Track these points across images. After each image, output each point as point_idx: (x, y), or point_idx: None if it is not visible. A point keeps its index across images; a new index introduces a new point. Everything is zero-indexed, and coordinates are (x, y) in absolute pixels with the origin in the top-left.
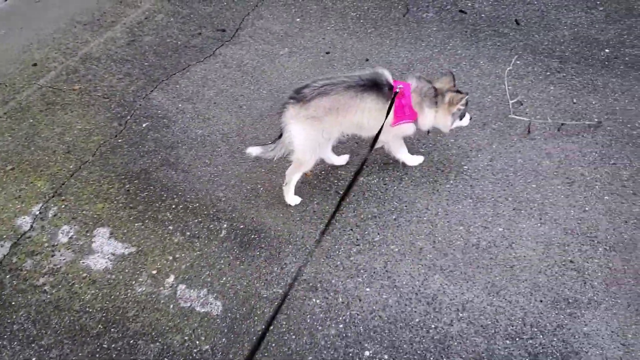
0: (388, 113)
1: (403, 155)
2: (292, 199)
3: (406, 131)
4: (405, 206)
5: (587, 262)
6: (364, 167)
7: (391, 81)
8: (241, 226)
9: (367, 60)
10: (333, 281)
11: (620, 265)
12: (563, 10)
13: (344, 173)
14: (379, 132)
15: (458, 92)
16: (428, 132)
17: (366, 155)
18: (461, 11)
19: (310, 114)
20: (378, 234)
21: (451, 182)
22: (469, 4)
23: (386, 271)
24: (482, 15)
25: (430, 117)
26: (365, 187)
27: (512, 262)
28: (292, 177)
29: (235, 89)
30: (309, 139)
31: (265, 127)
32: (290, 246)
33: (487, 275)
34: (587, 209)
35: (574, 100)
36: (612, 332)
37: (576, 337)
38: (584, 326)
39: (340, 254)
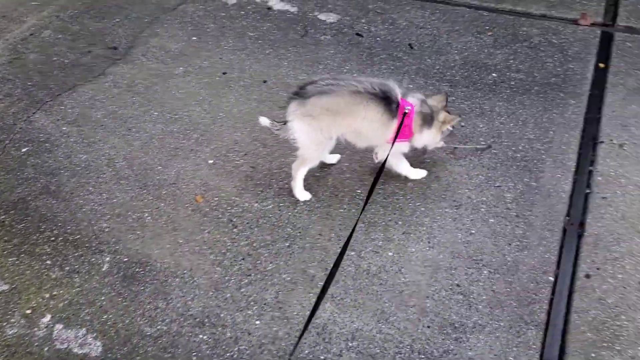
0: (397, 132)
1: (405, 169)
2: (301, 194)
3: (401, 150)
4: (299, 232)
5: (473, 286)
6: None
7: (399, 98)
8: (125, 259)
9: (265, 82)
10: (222, 315)
11: (503, 287)
12: (454, 35)
13: (238, 199)
14: (391, 147)
15: (448, 112)
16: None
17: (378, 173)
18: (358, 34)
19: (307, 111)
20: (270, 262)
21: (345, 206)
22: (366, 28)
23: (277, 302)
24: (378, 39)
25: (425, 137)
26: (259, 214)
27: (401, 287)
28: (298, 173)
29: (125, 111)
30: (309, 136)
31: (155, 150)
32: (177, 279)
33: (377, 302)
34: (473, 231)
35: (462, 124)
36: (495, 355)
37: None
38: (469, 351)
39: (230, 286)
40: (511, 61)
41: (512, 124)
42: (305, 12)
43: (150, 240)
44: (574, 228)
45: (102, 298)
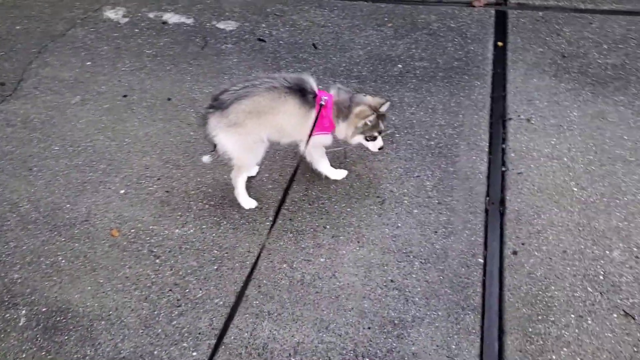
0: (314, 124)
1: (324, 167)
2: (246, 202)
3: (323, 142)
4: (226, 253)
5: (406, 279)
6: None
7: (316, 89)
8: (43, 309)
9: (169, 99)
10: (156, 352)
11: (436, 276)
12: (356, 30)
13: (156, 228)
14: (308, 140)
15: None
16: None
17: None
18: (260, 39)
19: (231, 120)
20: (200, 289)
21: (270, 219)
22: (267, 32)
23: (212, 329)
24: (281, 42)
25: (341, 130)
26: (181, 240)
27: (337, 292)
28: (238, 181)
29: (23, 149)
30: (239, 145)
31: (61, 188)
32: (103, 322)
33: (314, 311)
34: (399, 225)
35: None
36: (438, 346)
37: (406, 359)
38: (412, 345)
39: (160, 321)
40: (413, 50)
41: (422, 113)
42: (203, 23)
43: (69, 284)
44: (495, 207)
45: (24, 356)
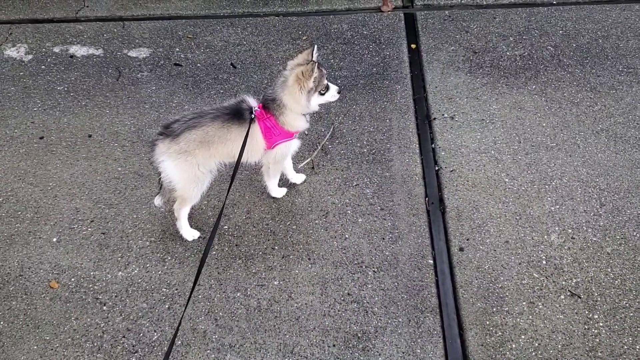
0: (245, 139)
1: (273, 184)
2: (188, 233)
3: (291, 148)
4: (176, 290)
5: (363, 290)
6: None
7: (251, 104)
8: None
9: (90, 136)
10: None
11: (390, 283)
12: (272, 46)
13: (98, 273)
14: (238, 161)
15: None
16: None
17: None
18: (176, 64)
19: (182, 148)
20: (155, 331)
21: (216, 247)
22: (182, 56)
23: None
24: (198, 65)
25: (291, 115)
26: (126, 282)
27: (296, 313)
28: (180, 214)
29: None
30: (186, 174)
31: None
32: None
33: (276, 336)
34: (347, 236)
35: (306, 132)
36: (403, 352)
37: None
38: (379, 356)
39: None
40: (332, 60)
41: (350, 122)
42: (113, 53)
43: (13, 347)
44: (436, 207)
45: None
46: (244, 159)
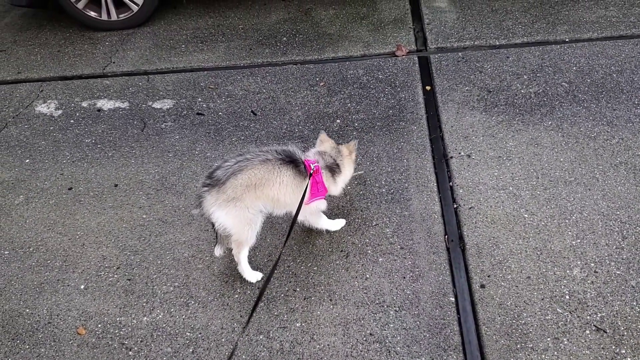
0: (305, 192)
1: (324, 223)
2: (251, 275)
3: (321, 207)
4: (200, 333)
5: (385, 330)
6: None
7: (303, 158)
8: None
9: (116, 185)
10: None
11: (412, 322)
12: (290, 92)
13: (124, 319)
14: (297, 212)
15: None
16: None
17: (285, 240)
18: (199, 114)
19: (230, 195)
20: None
21: (238, 291)
22: (205, 105)
23: None
24: (220, 113)
25: (340, 183)
26: (151, 327)
27: (319, 355)
28: (240, 257)
29: None
30: (238, 218)
31: (17, 293)
32: None
33: None
34: (367, 276)
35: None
36: None
37: None
38: None
39: None
40: (349, 104)
41: (368, 163)
42: (138, 105)
43: None
44: (456, 244)
45: None
46: (280, 207)
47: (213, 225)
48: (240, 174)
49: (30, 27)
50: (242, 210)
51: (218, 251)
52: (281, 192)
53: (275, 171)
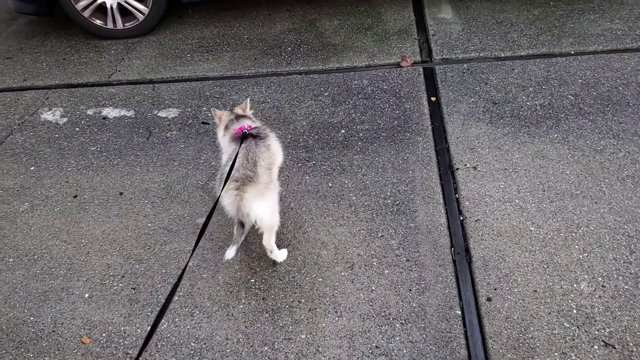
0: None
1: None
2: (280, 255)
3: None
4: (204, 344)
5: (391, 343)
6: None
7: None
8: None
9: (121, 194)
10: None
11: (418, 335)
12: (295, 102)
13: (128, 328)
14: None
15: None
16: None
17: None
18: (204, 123)
19: (265, 181)
20: None
21: (243, 301)
22: (210, 115)
23: None
24: None
25: None
26: (156, 337)
27: None
28: (272, 242)
29: None
30: (272, 202)
31: (21, 301)
32: None
33: None
34: (373, 288)
35: (330, 185)
36: None
37: None
38: None
39: None
40: (353, 115)
41: (373, 173)
42: (144, 114)
43: None
44: (462, 256)
45: None
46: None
47: (241, 224)
48: (260, 160)
49: (36, 34)
50: (274, 192)
51: (232, 253)
52: (277, 161)
53: (270, 146)
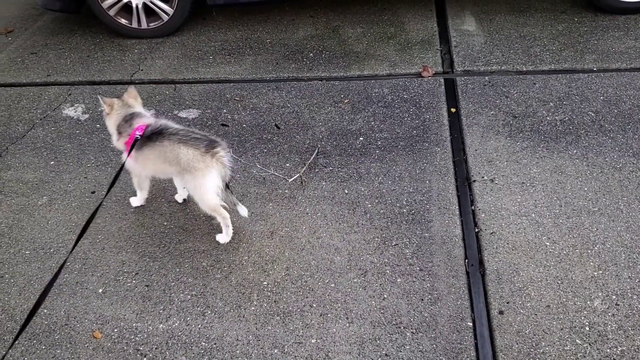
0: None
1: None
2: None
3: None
4: (215, 344)
5: (401, 351)
6: None
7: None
8: None
9: None
10: None
11: (429, 345)
12: (315, 108)
13: (140, 325)
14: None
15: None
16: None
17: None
18: (223, 125)
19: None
20: None
21: (254, 303)
22: (229, 117)
23: None
24: (244, 125)
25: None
26: (167, 335)
27: None
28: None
29: None
30: None
31: (37, 292)
32: None
33: None
34: (385, 296)
35: (346, 191)
36: None
37: None
38: None
39: None
40: (372, 123)
41: (390, 182)
42: (164, 113)
43: None
44: (475, 269)
45: None
46: None
47: (227, 186)
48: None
49: (61, 31)
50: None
51: (245, 210)
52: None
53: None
